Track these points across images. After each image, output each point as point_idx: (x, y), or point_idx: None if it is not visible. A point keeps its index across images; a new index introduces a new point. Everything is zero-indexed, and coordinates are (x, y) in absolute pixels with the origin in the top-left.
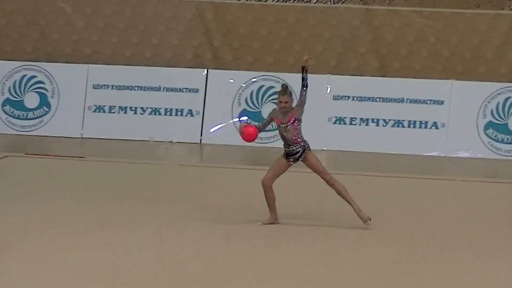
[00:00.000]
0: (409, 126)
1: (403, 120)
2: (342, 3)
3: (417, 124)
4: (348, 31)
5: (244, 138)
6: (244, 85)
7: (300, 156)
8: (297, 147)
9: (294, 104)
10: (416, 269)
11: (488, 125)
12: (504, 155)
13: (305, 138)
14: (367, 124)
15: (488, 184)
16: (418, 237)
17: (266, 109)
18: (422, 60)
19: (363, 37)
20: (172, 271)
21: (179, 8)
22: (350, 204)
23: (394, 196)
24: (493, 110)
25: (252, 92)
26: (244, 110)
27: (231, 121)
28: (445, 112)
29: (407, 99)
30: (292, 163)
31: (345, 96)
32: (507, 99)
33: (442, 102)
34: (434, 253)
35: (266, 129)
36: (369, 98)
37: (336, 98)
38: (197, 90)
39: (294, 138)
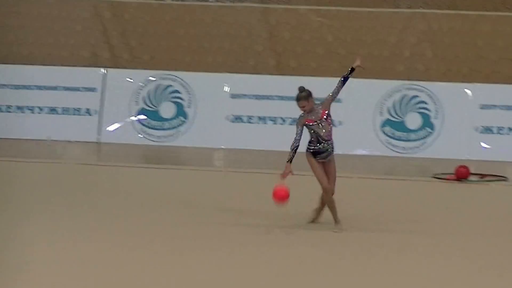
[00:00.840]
0: None
1: None
2: (239, 2)
3: None
4: (245, 29)
5: (275, 200)
6: (141, 84)
7: (327, 156)
8: (329, 144)
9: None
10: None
11: (385, 122)
12: (400, 153)
13: (206, 136)
14: (265, 123)
15: (385, 181)
16: (306, 236)
17: (164, 108)
18: (318, 59)
19: (260, 35)
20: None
21: (76, 7)
22: (334, 215)
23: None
24: (390, 108)
25: (149, 91)
26: (142, 109)
27: (129, 120)
28: (342, 110)
29: None
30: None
31: (243, 95)
32: (403, 96)
33: (339, 100)
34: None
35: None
36: (266, 97)
37: (234, 96)
38: (94, 89)
39: (328, 134)
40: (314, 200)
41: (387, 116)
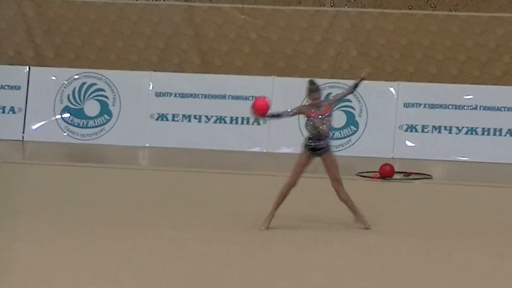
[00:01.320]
0: (231, 122)
1: (225, 117)
2: (163, 0)
3: (239, 120)
4: (170, 27)
5: (255, 112)
6: (66, 82)
7: (324, 152)
8: (326, 141)
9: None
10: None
11: None
12: None
13: (131, 134)
14: (189, 121)
15: (310, 180)
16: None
17: (89, 106)
18: (243, 57)
19: (185, 33)
20: None
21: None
22: (354, 210)
23: (218, 191)
24: None
25: (74, 89)
26: (67, 107)
27: (54, 118)
28: None
29: (229, 95)
30: (312, 159)
31: (167, 93)
32: (327, 95)
33: None
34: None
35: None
36: (191, 95)
37: (158, 95)
38: (19, 87)
39: (328, 131)
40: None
41: None
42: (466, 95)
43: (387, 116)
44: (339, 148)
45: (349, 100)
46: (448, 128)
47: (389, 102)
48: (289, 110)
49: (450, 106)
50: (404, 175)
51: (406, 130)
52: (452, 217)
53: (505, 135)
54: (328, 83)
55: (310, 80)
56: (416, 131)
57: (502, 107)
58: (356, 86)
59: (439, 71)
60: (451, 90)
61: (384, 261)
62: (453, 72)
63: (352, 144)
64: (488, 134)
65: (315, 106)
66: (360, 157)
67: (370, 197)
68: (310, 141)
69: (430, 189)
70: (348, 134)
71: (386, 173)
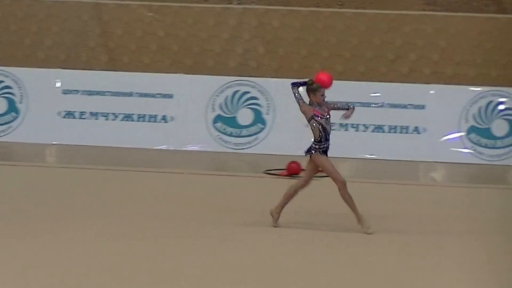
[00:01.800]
0: (138, 120)
1: (132, 114)
2: None
3: (147, 117)
4: (77, 25)
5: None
6: None
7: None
8: (329, 141)
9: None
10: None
11: (217, 118)
12: (232, 149)
13: (38, 132)
14: (96, 118)
15: (216, 177)
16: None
17: None
18: (151, 54)
19: (93, 31)
20: None
21: None
22: (282, 204)
23: (120, 189)
24: (222, 104)
25: None
26: None
27: None
28: (174, 105)
29: (136, 92)
30: None
31: (74, 90)
32: (235, 92)
33: (171, 96)
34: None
35: None
36: (98, 92)
37: (65, 92)
38: None
39: (330, 132)
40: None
41: (219, 112)
42: (373, 93)
43: (294, 113)
44: (246, 146)
45: (256, 98)
46: (355, 125)
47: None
48: (300, 97)
49: (357, 104)
50: None
51: None
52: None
53: (412, 133)
54: (235, 80)
55: (310, 80)
56: None
57: (408, 104)
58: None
59: (346, 68)
60: (358, 88)
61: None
62: (360, 69)
63: (260, 142)
64: (395, 132)
65: (319, 105)
66: (267, 155)
67: (278, 195)
68: (320, 143)
69: (335, 186)
70: (255, 131)
71: (293, 170)
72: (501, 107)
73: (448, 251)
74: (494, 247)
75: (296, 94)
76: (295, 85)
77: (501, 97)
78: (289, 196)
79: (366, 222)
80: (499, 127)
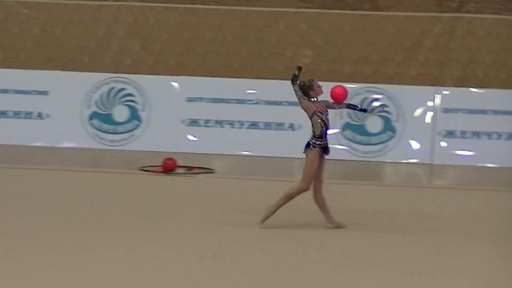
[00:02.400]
0: (13, 117)
1: (7, 111)
2: None
3: (22, 114)
4: None
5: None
6: None
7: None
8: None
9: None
10: None
11: (93, 115)
12: (108, 145)
13: None
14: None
15: (92, 174)
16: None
17: None
18: (27, 51)
19: None
20: None
21: None
22: (326, 212)
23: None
24: (98, 101)
25: None
26: None
27: None
28: (50, 102)
29: (12, 89)
30: (323, 159)
31: None
32: (111, 89)
33: (46, 93)
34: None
35: None
36: None
37: None
38: None
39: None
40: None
41: (94, 108)
42: (248, 90)
43: (169, 110)
44: (122, 143)
45: (132, 95)
46: (230, 122)
47: (171, 96)
48: (301, 95)
49: (233, 101)
50: (186, 170)
51: (189, 125)
52: (237, 210)
53: (287, 130)
54: (111, 77)
55: (301, 81)
56: (199, 125)
57: (284, 101)
58: (355, 108)
59: (221, 65)
60: (234, 85)
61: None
62: (235, 66)
63: (136, 139)
64: (270, 129)
65: (318, 101)
66: (143, 152)
67: (154, 191)
68: (319, 139)
69: (212, 183)
70: (131, 128)
71: (168, 167)
72: (375, 103)
73: (294, 245)
74: (367, 240)
75: (298, 92)
76: (294, 81)
77: (376, 94)
78: (321, 202)
79: (264, 219)
80: (373, 124)
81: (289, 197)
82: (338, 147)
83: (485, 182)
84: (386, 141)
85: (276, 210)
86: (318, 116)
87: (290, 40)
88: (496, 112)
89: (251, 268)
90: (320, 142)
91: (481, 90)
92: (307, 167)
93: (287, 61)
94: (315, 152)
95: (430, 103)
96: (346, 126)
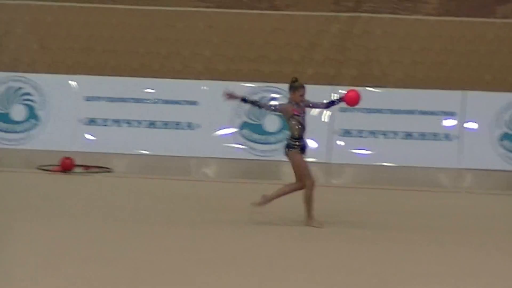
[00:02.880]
0: None
1: None
2: None
3: None
4: None
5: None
6: None
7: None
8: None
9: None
10: None
11: None
12: (6, 144)
13: None
14: None
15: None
16: None
17: None
18: None
19: None
20: None
21: None
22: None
23: None
24: None
25: None
26: None
27: None
28: None
29: None
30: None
31: None
32: (8, 89)
33: None
34: None
35: None
36: None
37: None
38: None
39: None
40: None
41: None
42: (146, 89)
43: (67, 109)
44: (20, 142)
45: (29, 94)
46: (128, 121)
47: (69, 95)
48: (270, 103)
49: (131, 100)
50: (83, 169)
51: (87, 124)
52: (137, 207)
53: (185, 129)
54: (8, 77)
55: (295, 78)
56: (97, 124)
57: (182, 100)
58: (331, 104)
59: (119, 64)
60: (132, 84)
61: None
62: (133, 65)
63: (34, 138)
64: (168, 128)
65: (297, 104)
66: (41, 151)
67: (52, 190)
68: (296, 140)
69: (110, 181)
70: (29, 127)
71: (66, 166)
72: (272, 103)
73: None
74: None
75: (267, 108)
76: (258, 105)
77: (274, 93)
78: (308, 201)
79: (315, 221)
80: (270, 123)
81: (309, 199)
82: (235, 146)
83: (381, 181)
84: (283, 140)
85: (309, 214)
86: (295, 119)
87: (188, 39)
88: (392, 111)
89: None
90: (298, 143)
91: (378, 89)
92: (300, 167)
93: (185, 60)
94: (296, 152)
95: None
96: (244, 125)
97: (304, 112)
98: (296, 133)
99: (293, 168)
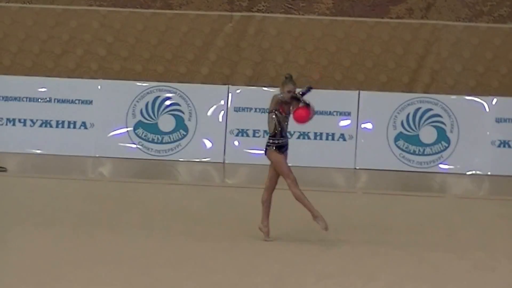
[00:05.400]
0: None
1: None
2: None
3: None
4: None
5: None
6: None
7: (287, 150)
8: (287, 138)
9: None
10: None
11: None
12: None
13: None
14: None
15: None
16: None
17: None
18: None
19: None
20: None
21: None
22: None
23: None
24: None
25: None
26: None
27: None
28: None
29: None
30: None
31: None
32: None
33: None
34: None
35: None
36: None
37: None
38: None
39: (287, 129)
40: None
41: None
42: (40, 88)
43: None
44: None
45: None
46: (22, 120)
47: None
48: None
49: (24, 99)
50: None
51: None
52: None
53: (79, 128)
54: None
55: (288, 74)
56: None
57: (76, 99)
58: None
59: (13, 64)
60: (25, 83)
61: None
62: (27, 64)
63: None
64: (63, 127)
65: (284, 102)
66: None
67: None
68: (275, 138)
69: (6, 181)
70: None
71: None
72: (167, 102)
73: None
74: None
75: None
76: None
77: (168, 93)
78: (302, 198)
79: (322, 220)
80: (165, 123)
81: (301, 198)
82: (129, 146)
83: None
84: (179, 139)
85: (313, 214)
86: (276, 115)
87: (82, 38)
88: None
89: None
90: (277, 141)
91: (273, 89)
92: (278, 168)
93: (79, 59)
94: (272, 151)
95: (222, 102)
96: (138, 125)
97: (288, 113)
98: (271, 130)
99: (276, 167)
